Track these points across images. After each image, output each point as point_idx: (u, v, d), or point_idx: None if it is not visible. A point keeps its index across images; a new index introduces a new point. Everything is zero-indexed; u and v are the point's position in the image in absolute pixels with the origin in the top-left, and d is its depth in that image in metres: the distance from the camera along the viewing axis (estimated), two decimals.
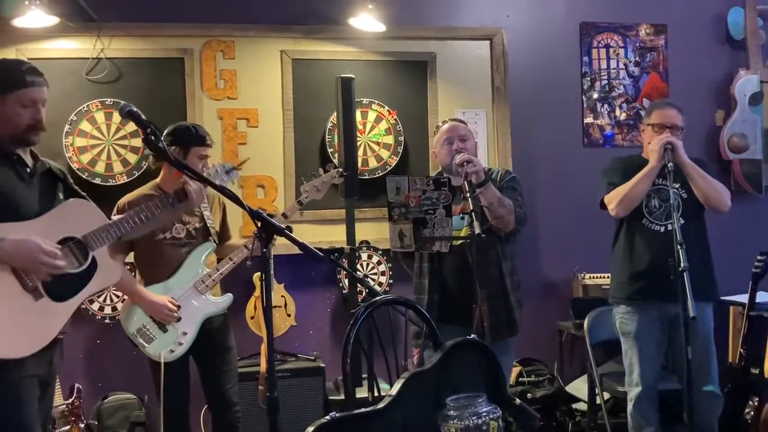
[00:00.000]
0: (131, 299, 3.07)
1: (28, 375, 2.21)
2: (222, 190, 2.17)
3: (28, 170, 2.32)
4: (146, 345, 3.03)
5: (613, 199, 3.21)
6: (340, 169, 3.45)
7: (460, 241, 2.87)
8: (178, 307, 3.04)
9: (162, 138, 2.21)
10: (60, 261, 2.20)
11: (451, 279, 3.05)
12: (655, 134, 3.20)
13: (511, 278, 3.07)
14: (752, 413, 3.41)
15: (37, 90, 2.29)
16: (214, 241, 3.23)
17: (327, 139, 4.19)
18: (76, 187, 2.50)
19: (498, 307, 3.00)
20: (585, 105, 4.60)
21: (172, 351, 3.04)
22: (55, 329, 2.24)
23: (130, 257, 3.20)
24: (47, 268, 2.18)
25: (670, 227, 3.10)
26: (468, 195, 2.75)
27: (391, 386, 1.93)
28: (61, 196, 2.40)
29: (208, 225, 3.21)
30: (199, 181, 2.39)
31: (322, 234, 4.07)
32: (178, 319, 3.04)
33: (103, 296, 3.81)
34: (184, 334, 3.06)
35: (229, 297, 3.22)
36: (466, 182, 2.80)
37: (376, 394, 2.44)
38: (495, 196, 2.92)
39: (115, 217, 2.54)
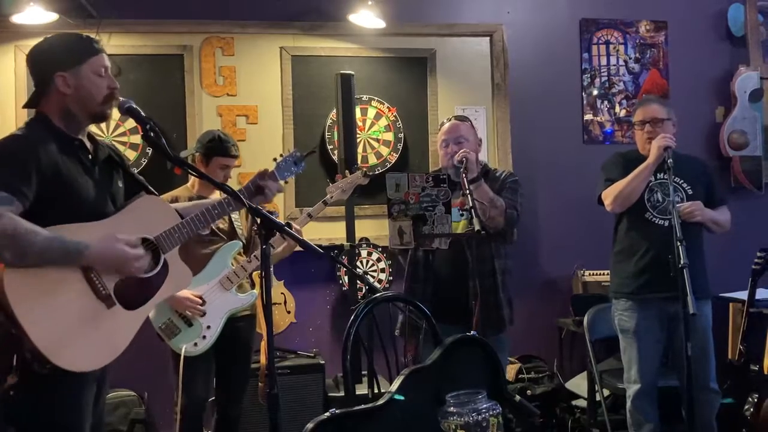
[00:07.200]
0: None
1: (88, 380, 2.07)
2: (222, 187, 2.19)
3: (90, 157, 2.14)
4: (171, 338, 3.06)
5: (609, 195, 3.22)
6: (365, 170, 3.43)
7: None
8: (203, 302, 3.07)
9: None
10: (144, 263, 2.03)
11: (444, 271, 3.06)
12: (638, 131, 3.29)
13: (502, 276, 3.11)
14: (752, 410, 3.42)
15: (105, 56, 2.09)
16: (241, 241, 3.26)
17: (327, 136, 4.19)
18: (136, 174, 2.32)
19: (487, 303, 3.01)
20: (585, 102, 4.59)
21: (195, 345, 3.07)
22: (127, 338, 2.07)
23: None
24: (134, 271, 2.02)
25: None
26: (467, 192, 2.77)
27: (391, 383, 1.93)
28: (120, 184, 2.22)
29: (235, 226, 3.25)
30: (198, 178, 2.36)
31: (322, 231, 4.06)
32: (203, 314, 3.07)
33: None
34: (208, 328, 3.09)
35: (252, 294, 3.23)
36: (465, 179, 2.82)
37: (376, 390, 2.44)
38: (487, 194, 2.95)
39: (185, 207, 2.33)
